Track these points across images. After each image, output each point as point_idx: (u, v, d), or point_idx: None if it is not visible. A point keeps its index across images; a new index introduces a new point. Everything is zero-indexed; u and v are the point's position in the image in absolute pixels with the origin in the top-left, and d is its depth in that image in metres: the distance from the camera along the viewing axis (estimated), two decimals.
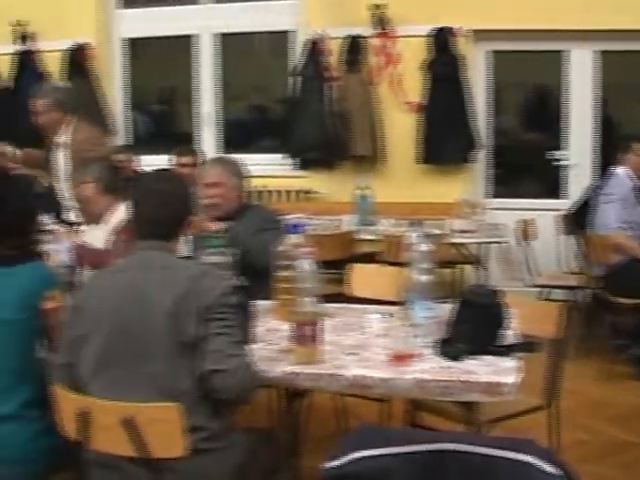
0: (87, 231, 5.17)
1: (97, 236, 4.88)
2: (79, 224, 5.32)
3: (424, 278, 3.55)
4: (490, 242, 6.99)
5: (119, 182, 4.98)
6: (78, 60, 8.89)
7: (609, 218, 6.41)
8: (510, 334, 3.43)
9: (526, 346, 3.33)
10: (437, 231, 6.12)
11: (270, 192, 8.43)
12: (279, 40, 8.83)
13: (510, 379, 2.99)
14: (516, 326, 3.55)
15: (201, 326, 2.93)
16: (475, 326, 3.25)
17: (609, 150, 7.70)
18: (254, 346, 3.37)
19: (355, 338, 3.56)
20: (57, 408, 3.03)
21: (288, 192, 8.54)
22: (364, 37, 8.16)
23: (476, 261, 7.26)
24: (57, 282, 3.44)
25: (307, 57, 8.33)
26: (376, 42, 8.15)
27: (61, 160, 6.40)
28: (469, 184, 8.26)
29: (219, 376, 2.92)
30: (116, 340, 2.99)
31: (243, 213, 4.94)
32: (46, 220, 4.22)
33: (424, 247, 3.58)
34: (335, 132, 8.28)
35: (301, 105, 8.41)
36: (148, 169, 4.12)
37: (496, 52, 8.35)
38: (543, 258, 7.42)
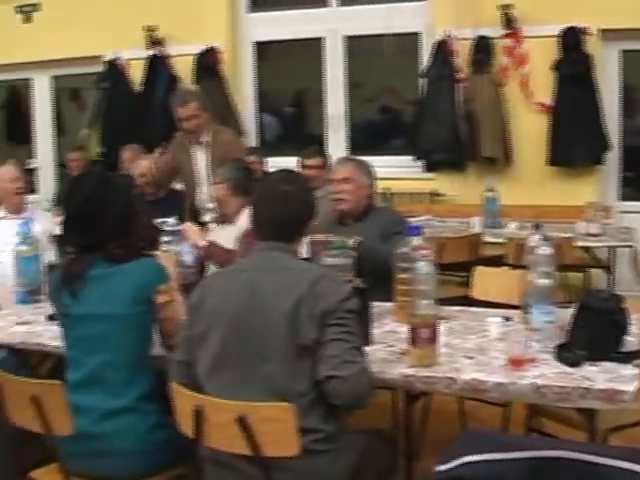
0: (215, 230, 5.25)
1: (223, 235, 4.95)
2: (209, 224, 5.40)
3: (544, 282, 3.50)
4: (619, 246, 6.85)
5: (251, 184, 4.98)
6: (208, 64, 9.04)
7: None
8: (632, 341, 3.35)
9: None
10: (564, 234, 6.05)
11: (400, 194, 8.40)
12: (408, 41, 8.80)
13: (631, 387, 2.93)
14: (638, 332, 3.48)
15: (320, 331, 2.93)
16: (594, 332, 3.19)
17: None
18: (372, 348, 3.39)
19: (474, 341, 3.54)
20: (174, 404, 3.09)
21: (418, 194, 8.49)
22: (492, 38, 8.07)
23: (605, 265, 7.12)
24: (167, 277, 3.49)
25: (435, 58, 8.29)
26: (504, 42, 8.06)
27: (202, 163, 6.51)
28: (598, 186, 8.08)
29: (334, 382, 2.92)
30: (232, 340, 3.02)
31: (369, 214, 4.97)
32: (170, 221, 4.29)
33: (545, 250, 3.53)
34: (463, 133, 8.22)
35: (429, 106, 8.37)
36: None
37: (626, 51, 8.15)
38: None
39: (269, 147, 9.04)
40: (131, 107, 9.33)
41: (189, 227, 4.98)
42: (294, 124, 10.12)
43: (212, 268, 4.88)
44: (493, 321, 3.67)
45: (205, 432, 2.96)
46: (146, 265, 3.46)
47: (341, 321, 2.95)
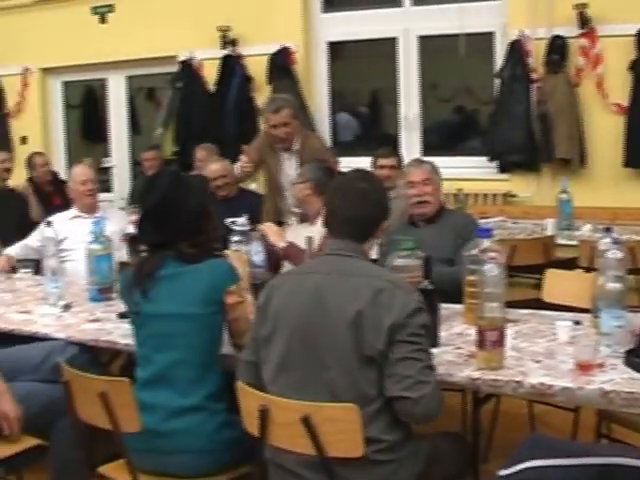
0: (294, 230, 5.25)
1: (302, 235, 4.93)
2: (288, 223, 5.40)
3: (614, 286, 3.44)
4: None
5: None
6: (282, 64, 9.09)
7: None
8: None
9: None
10: (639, 237, 5.96)
11: (474, 195, 8.36)
12: (482, 41, 8.74)
13: None
14: None
15: (389, 345, 2.88)
16: None
17: None
18: (439, 349, 3.38)
19: (542, 345, 3.50)
20: (240, 403, 3.11)
21: (492, 195, 8.45)
22: (567, 37, 7.97)
23: None
24: (238, 277, 3.52)
25: (509, 58, 8.23)
26: (580, 42, 7.96)
27: (289, 169, 6.45)
28: None
29: (405, 403, 2.89)
30: (296, 345, 3.01)
31: (441, 216, 4.96)
32: (240, 221, 4.31)
33: (615, 254, 3.48)
34: (537, 134, 8.15)
35: (503, 107, 8.32)
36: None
37: None
38: None
39: (342, 147, 9.05)
40: (205, 107, 9.42)
41: (269, 227, 5.00)
42: (368, 124, 10.11)
43: (287, 267, 4.90)
44: (562, 325, 3.63)
45: (270, 431, 2.97)
46: (217, 266, 3.49)
47: (413, 338, 2.90)
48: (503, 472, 2.13)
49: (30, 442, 3.70)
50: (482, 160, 8.60)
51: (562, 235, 6.60)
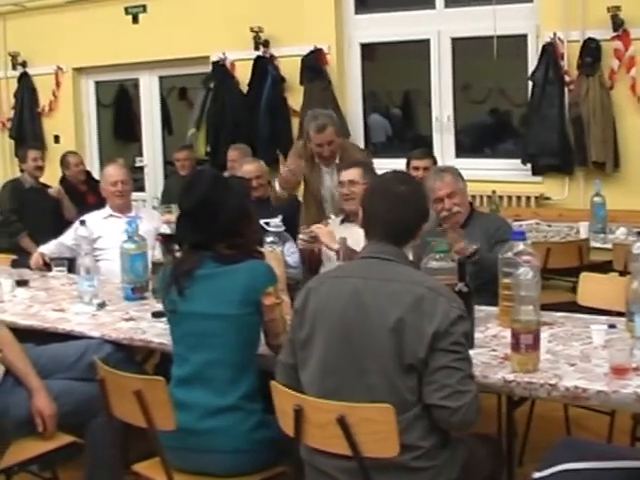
0: (340, 230, 5.23)
1: (348, 235, 4.90)
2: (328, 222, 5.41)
3: None
4: None
5: None
6: (314, 65, 9.08)
7: None
8: None
9: None
10: None
11: (507, 198, 8.34)
12: (515, 43, 8.71)
13: None
14: None
15: (430, 352, 2.86)
16: None
17: None
18: (474, 351, 3.37)
19: (577, 348, 3.49)
20: (275, 403, 3.12)
21: (527, 198, 8.40)
22: (600, 40, 7.92)
23: None
24: (275, 279, 3.52)
25: (542, 61, 8.19)
26: (613, 45, 7.92)
27: (328, 182, 6.43)
28: None
29: (444, 412, 2.88)
30: (335, 350, 3.00)
31: (472, 219, 4.93)
32: (274, 221, 4.31)
33: None
34: (571, 137, 8.11)
35: (536, 110, 8.28)
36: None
37: None
38: None
39: (375, 149, 9.04)
40: (237, 107, 9.44)
41: (321, 229, 4.99)
42: (401, 126, 10.11)
43: (325, 268, 4.90)
44: (597, 328, 3.61)
45: (305, 432, 2.98)
46: (255, 267, 3.50)
47: (454, 347, 2.89)
48: (537, 475, 2.13)
49: (65, 439, 3.74)
50: (516, 162, 8.54)
51: (596, 238, 6.57)
